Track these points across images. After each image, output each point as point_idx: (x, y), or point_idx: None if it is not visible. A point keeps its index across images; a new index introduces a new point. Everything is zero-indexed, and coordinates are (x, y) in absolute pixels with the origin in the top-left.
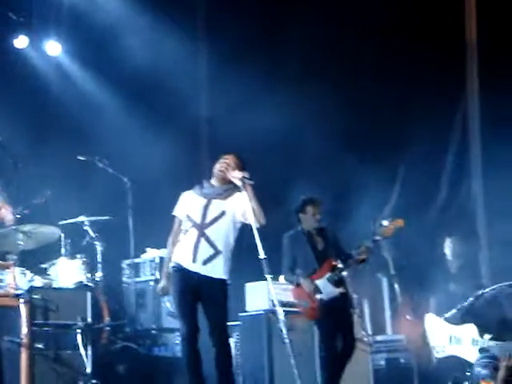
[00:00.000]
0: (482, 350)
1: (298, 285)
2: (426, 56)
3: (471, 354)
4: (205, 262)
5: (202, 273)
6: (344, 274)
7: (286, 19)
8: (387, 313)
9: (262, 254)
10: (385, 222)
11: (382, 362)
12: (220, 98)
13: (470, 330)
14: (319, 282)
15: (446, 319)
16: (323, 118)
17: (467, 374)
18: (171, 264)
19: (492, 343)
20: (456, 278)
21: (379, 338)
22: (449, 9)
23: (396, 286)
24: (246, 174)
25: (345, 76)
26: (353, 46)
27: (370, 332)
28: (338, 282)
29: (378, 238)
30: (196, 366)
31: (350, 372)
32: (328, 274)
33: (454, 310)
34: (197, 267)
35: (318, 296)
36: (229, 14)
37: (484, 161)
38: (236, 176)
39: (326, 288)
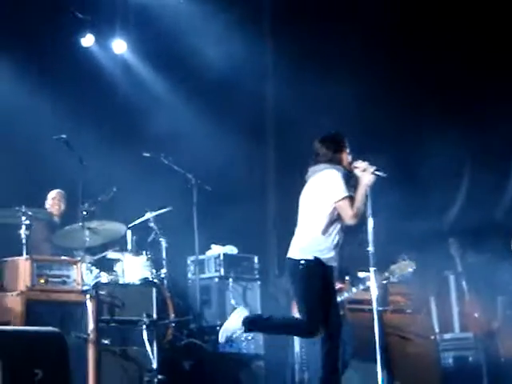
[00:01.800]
0: None
1: None
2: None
3: None
4: None
5: None
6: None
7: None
8: (455, 310)
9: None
10: (400, 261)
11: (450, 361)
12: (285, 93)
13: None
14: None
15: None
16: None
17: None
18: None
19: None
20: None
21: (447, 335)
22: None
23: (464, 283)
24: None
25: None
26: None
27: (437, 330)
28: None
29: (387, 275)
30: None
31: (418, 370)
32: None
33: None
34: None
35: None
36: (292, 14)
37: None
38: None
39: None
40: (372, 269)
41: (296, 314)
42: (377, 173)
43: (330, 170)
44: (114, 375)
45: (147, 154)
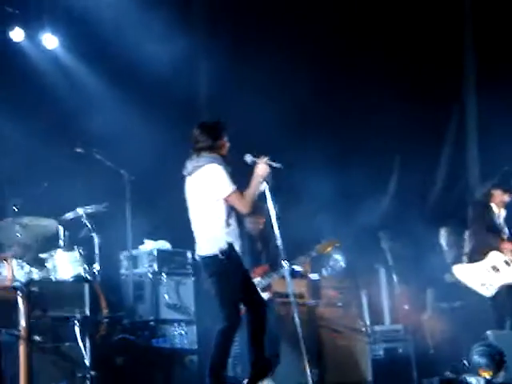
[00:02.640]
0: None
1: None
2: (426, 51)
3: None
4: None
5: None
6: (271, 280)
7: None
8: (385, 303)
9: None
10: (323, 241)
11: (381, 352)
12: (219, 87)
13: (496, 255)
14: None
15: (470, 261)
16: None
17: (465, 362)
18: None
19: None
20: (448, 267)
21: (377, 328)
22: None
23: (394, 276)
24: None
25: (342, 71)
26: (354, 48)
27: (368, 322)
28: (265, 288)
29: (313, 253)
30: None
31: (350, 362)
32: (257, 279)
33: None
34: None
35: None
36: (225, 7)
37: (481, 151)
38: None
39: None
40: (284, 262)
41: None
42: (271, 164)
43: (211, 165)
44: (46, 372)
45: (79, 150)
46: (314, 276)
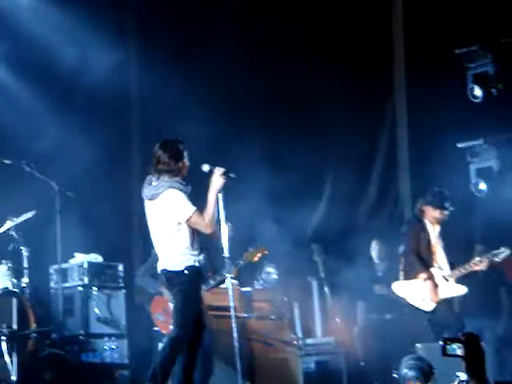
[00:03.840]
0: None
1: (159, 294)
2: (355, 59)
3: (452, 288)
4: None
5: None
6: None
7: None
8: (317, 316)
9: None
10: (250, 249)
11: (312, 365)
12: (150, 95)
13: (434, 271)
14: None
15: (406, 278)
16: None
17: (394, 375)
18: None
19: None
20: (382, 280)
21: (309, 341)
22: (376, 14)
23: (326, 289)
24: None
25: (271, 77)
26: (279, 49)
27: (300, 335)
28: None
29: (241, 262)
30: None
31: (281, 375)
32: None
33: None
34: None
35: None
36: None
37: (412, 163)
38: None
39: None
40: (228, 275)
41: None
42: (227, 175)
43: (171, 190)
44: None
45: (8, 161)
46: (245, 288)
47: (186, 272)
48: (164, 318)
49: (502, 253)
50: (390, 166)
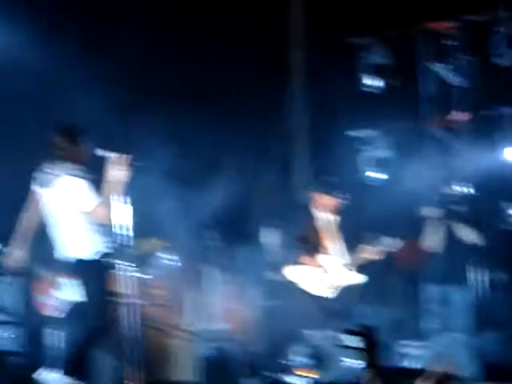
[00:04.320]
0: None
1: (46, 277)
2: (254, 46)
3: (346, 276)
4: None
5: None
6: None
7: None
8: (211, 302)
9: None
10: (152, 239)
11: (206, 351)
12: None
13: (325, 257)
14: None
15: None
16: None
17: (285, 362)
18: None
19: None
20: (275, 266)
21: (203, 327)
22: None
23: (220, 276)
24: None
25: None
26: (183, 36)
27: (194, 321)
28: None
29: (139, 251)
30: None
31: (175, 362)
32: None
33: None
34: None
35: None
36: None
37: (308, 150)
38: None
39: None
40: (125, 263)
41: None
42: (131, 163)
43: (69, 178)
44: None
45: None
46: (140, 275)
47: (90, 259)
48: (48, 301)
49: (391, 241)
50: (286, 153)
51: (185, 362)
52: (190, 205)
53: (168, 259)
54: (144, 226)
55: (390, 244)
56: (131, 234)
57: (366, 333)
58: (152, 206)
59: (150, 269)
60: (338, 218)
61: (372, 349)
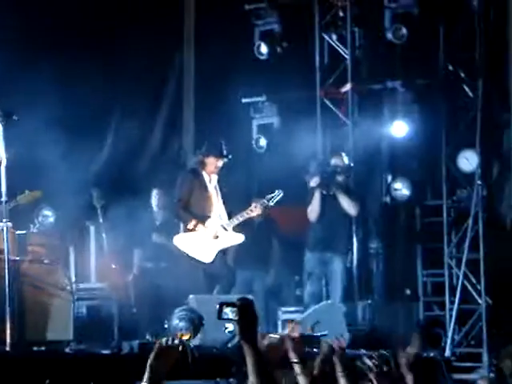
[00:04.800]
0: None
1: None
2: (140, 10)
3: (229, 237)
4: None
5: None
6: None
7: None
8: (92, 261)
9: None
10: (26, 191)
11: (84, 310)
12: None
13: (213, 222)
14: None
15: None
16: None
17: (165, 325)
18: None
19: None
20: (160, 229)
21: (82, 285)
22: None
23: (104, 234)
24: None
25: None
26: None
27: (73, 280)
28: None
29: (12, 203)
30: None
31: (52, 320)
32: None
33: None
34: None
35: None
36: None
37: (197, 115)
38: None
39: None
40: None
41: None
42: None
43: None
44: None
45: None
46: (19, 231)
47: None
48: None
49: (276, 196)
50: (175, 116)
51: (62, 320)
52: (74, 159)
53: (48, 215)
54: (24, 178)
55: (271, 199)
56: (3, 187)
57: (241, 305)
58: (33, 157)
59: (30, 225)
60: (224, 181)
61: (248, 322)
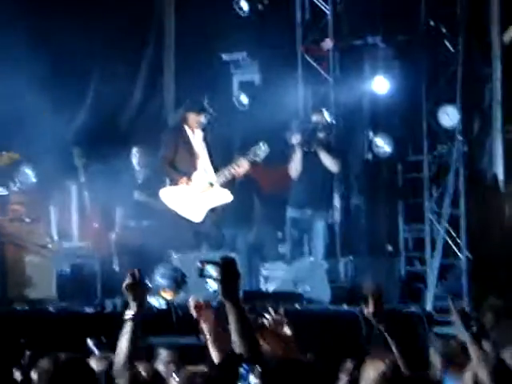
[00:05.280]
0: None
1: None
2: None
3: (217, 195)
4: None
5: None
6: None
7: None
8: (74, 220)
9: None
10: (3, 152)
11: (67, 269)
12: None
13: (199, 176)
14: None
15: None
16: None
17: (148, 283)
18: None
19: None
20: (142, 187)
21: (65, 244)
22: None
23: (86, 193)
24: None
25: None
26: None
27: (55, 238)
28: None
29: None
30: None
31: (35, 278)
32: None
33: None
34: None
35: None
36: None
37: (177, 71)
38: None
39: None
40: None
41: None
42: None
43: None
44: None
45: None
46: (0, 190)
47: None
48: None
49: (261, 148)
50: (156, 73)
51: (44, 278)
52: (54, 118)
53: (28, 174)
54: (3, 137)
55: (257, 153)
56: None
57: (223, 263)
58: (13, 116)
59: (11, 184)
60: (208, 137)
61: (229, 280)
